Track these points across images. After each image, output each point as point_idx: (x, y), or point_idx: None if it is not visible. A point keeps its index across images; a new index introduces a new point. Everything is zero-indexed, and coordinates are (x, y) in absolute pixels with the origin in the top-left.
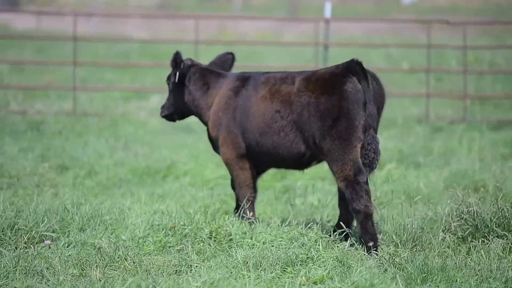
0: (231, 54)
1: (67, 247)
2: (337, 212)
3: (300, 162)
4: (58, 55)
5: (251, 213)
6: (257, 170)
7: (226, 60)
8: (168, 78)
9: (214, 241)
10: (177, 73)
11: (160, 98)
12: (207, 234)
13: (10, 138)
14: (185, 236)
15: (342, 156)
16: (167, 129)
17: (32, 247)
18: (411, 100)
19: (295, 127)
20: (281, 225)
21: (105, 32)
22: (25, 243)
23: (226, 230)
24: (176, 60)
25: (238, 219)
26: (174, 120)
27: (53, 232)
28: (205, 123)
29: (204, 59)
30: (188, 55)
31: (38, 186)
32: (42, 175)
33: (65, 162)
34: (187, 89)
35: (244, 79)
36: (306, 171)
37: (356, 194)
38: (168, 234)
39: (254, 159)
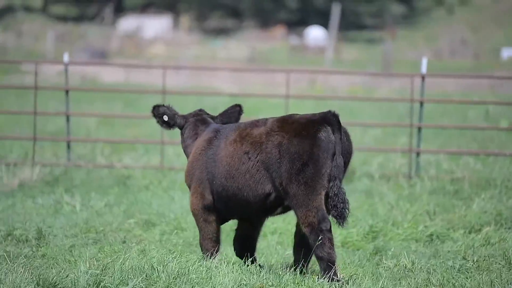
0: (239, 106)
1: None
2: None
3: (264, 205)
4: (147, 108)
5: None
6: (225, 218)
7: (233, 112)
8: (160, 124)
9: None
10: (159, 124)
11: None
12: None
13: (96, 192)
14: None
15: (306, 202)
16: None
17: None
18: (511, 159)
19: (263, 167)
20: None
21: (194, 86)
22: None
23: None
24: (154, 113)
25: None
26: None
27: None
28: None
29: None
30: (278, 108)
31: (124, 242)
32: (128, 231)
33: (151, 218)
34: (182, 137)
35: (217, 130)
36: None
37: (319, 242)
38: None
39: (220, 206)
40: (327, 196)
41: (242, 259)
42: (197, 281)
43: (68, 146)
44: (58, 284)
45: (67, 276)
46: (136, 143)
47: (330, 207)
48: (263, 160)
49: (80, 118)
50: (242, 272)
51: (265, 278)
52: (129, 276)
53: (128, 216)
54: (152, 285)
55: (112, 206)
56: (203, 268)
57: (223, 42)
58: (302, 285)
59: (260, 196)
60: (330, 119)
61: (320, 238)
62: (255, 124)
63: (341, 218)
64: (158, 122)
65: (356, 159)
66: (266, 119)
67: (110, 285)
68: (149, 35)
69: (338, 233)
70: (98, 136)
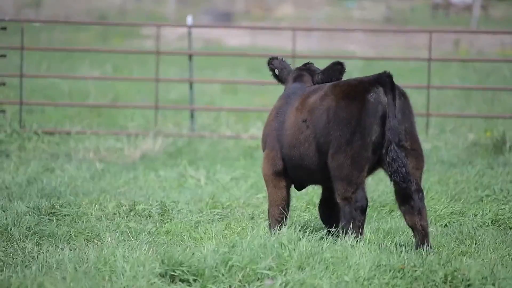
0: (340, 64)
1: (285, 287)
2: None
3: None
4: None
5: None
6: (301, 185)
7: (335, 71)
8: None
9: (450, 286)
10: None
11: None
12: (441, 278)
13: (222, 165)
14: (415, 279)
15: (349, 177)
16: None
17: (247, 286)
18: None
19: (316, 135)
20: None
21: (326, 49)
22: (240, 281)
23: (464, 274)
24: (269, 66)
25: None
26: None
27: (269, 270)
28: None
29: (438, 78)
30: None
31: (252, 219)
32: (256, 207)
33: None
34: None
35: (288, 95)
36: None
37: (349, 218)
38: (397, 276)
39: (292, 174)
40: (389, 165)
41: (325, 225)
42: (331, 260)
43: (192, 115)
44: (184, 262)
45: (193, 254)
46: (263, 112)
47: (390, 173)
48: (315, 127)
49: (203, 85)
50: (380, 252)
51: (407, 259)
52: (259, 255)
53: (256, 191)
54: (283, 264)
55: (238, 180)
56: (338, 247)
57: (358, 1)
58: (448, 266)
59: (322, 164)
60: (382, 80)
61: (352, 215)
62: (315, 90)
63: (405, 182)
64: (272, 76)
65: (508, 128)
66: (325, 84)
67: (239, 264)
68: None
69: (488, 209)
70: (223, 105)
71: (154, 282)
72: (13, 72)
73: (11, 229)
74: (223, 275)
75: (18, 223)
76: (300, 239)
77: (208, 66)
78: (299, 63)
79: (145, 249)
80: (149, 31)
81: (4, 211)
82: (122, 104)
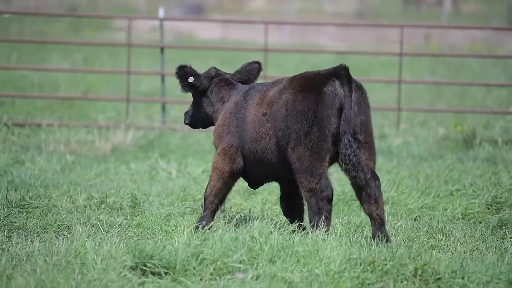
0: (258, 63)
1: (256, 280)
2: None
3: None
4: None
5: (208, 222)
6: (259, 182)
7: (252, 70)
8: (183, 87)
9: (420, 280)
10: (182, 87)
11: None
12: (411, 272)
13: (193, 158)
14: (386, 272)
15: (311, 168)
16: None
17: (218, 279)
18: None
19: (275, 128)
20: (498, 264)
21: (297, 43)
22: (211, 274)
23: (434, 268)
24: (179, 74)
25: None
26: (197, 128)
27: (241, 263)
28: None
29: (409, 72)
30: (391, 67)
31: (223, 212)
32: (228, 200)
33: None
34: (209, 100)
35: (246, 91)
36: None
37: (317, 209)
38: (367, 270)
39: (252, 170)
40: (343, 154)
41: (289, 219)
42: (303, 254)
43: (163, 108)
44: (155, 255)
45: (164, 247)
46: None
47: (342, 162)
48: (275, 120)
49: (175, 77)
50: (351, 245)
51: (377, 252)
52: (231, 248)
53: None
54: (255, 257)
55: (210, 173)
56: (309, 240)
57: None
58: (418, 260)
59: (283, 158)
60: (339, 72)
61: (319, 206)
62: (274, 84)
63: (356, 171)
64: (180, 84)
65: (477, 123)
66: (283, 78)
67: (211, 258)
68: None
69: (458, 203)
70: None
71: (125, 275)
72: None
73: None
74: (194, 268)
75: None
76: (271, 232)
77: (179, 59)
78: (271, 57)
79: (116, 242)
80: (121, 23)
81: None
82: (93, 97)
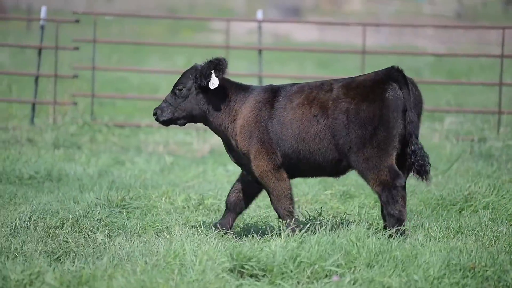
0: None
1: (353, 284)
2: None
3: (337, 169)
4: (342, 70)
5: (293, 223)
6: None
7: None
8: (182, 83)
9: None
10: (208, 82)
11: (455, 119)
12: None
13: None
14: (486, 279)
15: (378, 164)
16: (464, 155)
17: (316, 283)
18: None
19: (329, 133)
20: None
21: (395, 45)
22: (308, 277)
23: None
24: (217, 67)
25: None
26: (173, 124)
27: (338, 267)
28: (216, 132)
29: (511, 75)
30: (491, 70)
31: (320, 215)
32: (324, 203)
33: (349, 190)
34: (206, 97)
35: (274, 91)
36: None
37: (392, 198)
38: (467, 276)
39: (288, 167)
40: (409, 156)
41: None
42: (401, 259)
43: None
44: (252, 258)
45: (261, 250)
46: None
47: (410, 164)
48: (330, 126)
49: (272, 79)
50: (450, 251)
51: (478, 258)
52: (328, 252)
53: (324, 187)
54: (352, 262)
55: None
56: (407, 245)
57: None
58: None
59: (331, 161)
60: (394, 75)
61: (393, 195)
62: (320, 87)
63: (424, 173)
64: (203, 80)
65: None
66: (331, 83)
67: (308, 261)
68: None
69: None
70: None
71: (223, 277)
72: (86, 65)
73: (82, 220)
74: (291, 271)
75: (89, 215)
76: (368, 236)
77: (276, 61)
78: (368, 59)
79: (214, 243)
80: (218, 25)
81: (75, 203)
82: None
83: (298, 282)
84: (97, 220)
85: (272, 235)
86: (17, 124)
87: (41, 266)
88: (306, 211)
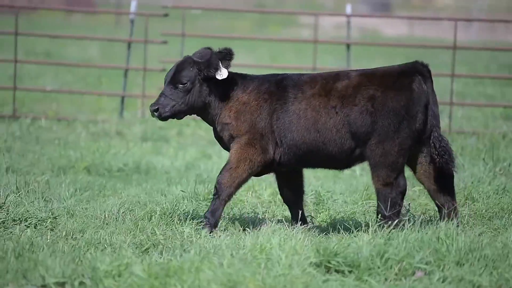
0: (209, 49)
1: (442, 282)
2: None
3: (348, 159)
4: (433, 65)
5: (219, 215)
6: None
7: (204, 56)
8: (186, 77)
9: None
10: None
11: None
12: None
13: None
14: None
15: (394, 163)
16: None
17: (404, 280)
18: None
19: (349, 122)
20: None
21: (487, 40)
22: (396, 274)
23: None
24: (225, 58)
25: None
26: (172, 118)
27: (426, 264)
28: (212, 123)
29: None
30: None
31: (409, 212)
32: (412, 200)
33: None
34: (208, 89)
35: (278, 81)
36: None
37: (392, 203)
38: None
39: (290, 159)
40: (434, 148)
41: (289, 207)
42: (492, 257)
43: None
44: (339, 253)
45: (348, 245)
46: None
47: (434, 156)
48: (349, 114)
49: None
50: None
51: None
52: (415, 249)
53: (412, 183)
54: (441, 259)
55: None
56: (498, 243)
57: None
58: None
59: (346, 151)
60: (420, 69)
61: (391, 199)
62: (336, 77)
63: (450, 166)
64: (211, 72)
65: None
66: (347, 72)
67: (395, 258)
68: None
69: None
70: None
71: (309, 272)
72: (174, 59)
73: (170, 213)
74: (378, 267)
75: (177, 208)
76: (458, 234)
77: (365, 56)
78: (459, 55)
79: (300, 238)
80: (306, 19)
81: (163, 196)
82: None
83: (386, 279)
84: (184, 213)
85: (358, 231)
86: (106, 117)
87: (129, 258)
88: None
